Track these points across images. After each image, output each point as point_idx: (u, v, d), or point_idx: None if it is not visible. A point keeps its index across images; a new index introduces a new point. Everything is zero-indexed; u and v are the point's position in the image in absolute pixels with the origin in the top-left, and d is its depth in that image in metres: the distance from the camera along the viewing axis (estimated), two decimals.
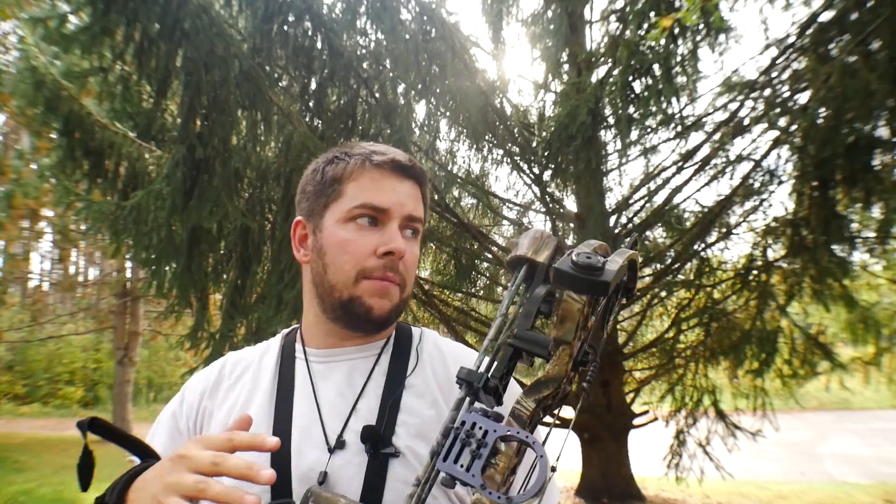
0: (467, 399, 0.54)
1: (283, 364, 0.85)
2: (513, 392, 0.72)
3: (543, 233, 0.62)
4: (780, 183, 3.83)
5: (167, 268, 3.38)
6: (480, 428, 0.48)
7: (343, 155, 0.82)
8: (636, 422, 4.80)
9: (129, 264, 10.30)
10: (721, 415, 4.84)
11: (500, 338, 0.57)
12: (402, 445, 0.74)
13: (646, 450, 5.52)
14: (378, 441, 0.73)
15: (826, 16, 3.35)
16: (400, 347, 0.84)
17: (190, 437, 0.85)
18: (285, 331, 0.92)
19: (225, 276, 3.59)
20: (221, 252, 3.57)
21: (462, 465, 0.46)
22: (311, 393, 0.81)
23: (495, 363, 0.54)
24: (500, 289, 5.46)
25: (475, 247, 4.65)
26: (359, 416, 0.77)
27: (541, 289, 0.56)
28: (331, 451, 0.75)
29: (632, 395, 5.02)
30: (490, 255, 4.83)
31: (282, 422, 0.79)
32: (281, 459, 0.75)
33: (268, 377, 0.84)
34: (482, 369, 0.54)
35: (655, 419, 5.01)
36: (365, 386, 0.80)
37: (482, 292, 5.42)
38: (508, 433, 0.47)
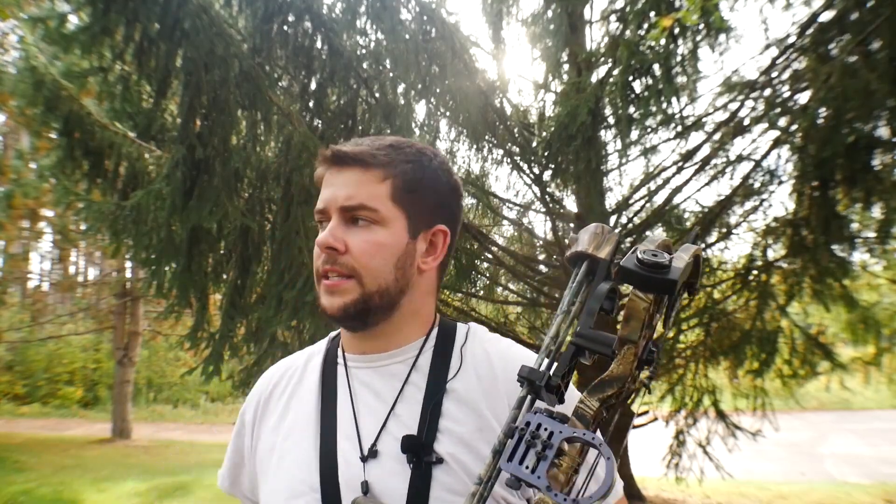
0: (528, 398, 0.53)
1: (325, 370, 0.84)
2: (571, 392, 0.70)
3: (604, 228, 0.60)
4: (780, 183, 3.83)
5: (167, 268, 3.38)
6: (545, 429, 0.47)
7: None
8: (636, 422, 4.80)
9: (129, 264, 10.30)
10: (721, 415, 4.84)
11: (561, 335, 0.56)
12: (444, 453, 0.72)
13: (646, 450, 5.52)
14: (420, 450, 0.72)
15: (826, 16, 3.35)
16: (442, 348, 0.81)
17: (250, 450, 0.87)
18: (331, 335, 0.90)
19: (225, 276, 3.59)
20: (221, 252, 3.57)
21: (527, 467, 0.46)
22: (350, 399, 0.80)
23: (556, 362, 0.53)
24: (499, 289, 5.46)
25: (475, 247, 4.64)
26: (399, 423, 0.75)
27: (603, 286, 0.55)
28: (363, 459, 0.74)
29: (632, 394, 5.01)
30: (490, 255, 4.83)
31: (327, 430, 0.78)
32: (329, 468, 0.75)
33: (312, 384, 0.84)
34: (543, 367, 0.53)
35: (655, 419, 5.01)
36: (402, 390, 0.78)
37: (482, 292, 5.42)
38: (574, 434, 0.47)
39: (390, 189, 0.78)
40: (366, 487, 0.72)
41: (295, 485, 0.77)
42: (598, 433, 0.49)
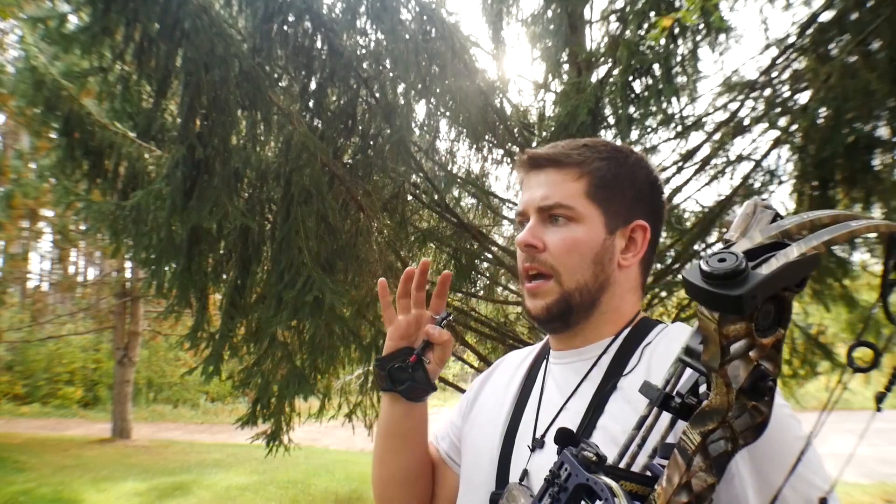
0: (653, 415, 0.50)
1: (535, 362, 0.90)
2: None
3: (756, 204, 0.51)
4: (780, 183, 3.83)
5: (167, 268, 3.38)
6: (566, 470, 0.47)
7: None
8: None
9: (128, 264, 10.31)
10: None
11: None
12: None
13: None
14: (571, 444, 0.73)
15: (826, 16, 3.35)
16: (626, 347, 0.79)
17: (463, 417, 0.96)
18: None
19: (225, 276, 3.58)
20: (221, 252, 3.56)
21: None
22: (540, 392, 0.84)
23: (673, 378, 0.50)
24: (499, 289, 5.46)
25: (475, 247, 4.64)
26: (569, 416, 0.77)
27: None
28: (531, 448, 0.77)
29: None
30: (490, 255, 4.83)
31: (514, 418, 0.84)
32: (506, 451, 0.81)
33: (522, 373, 0.90)
34: (667, 384, 0.50)
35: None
36: (579, 386, 0.79)
37: (482, 292, 5.42)
38: (587, 482, 0.44)
39: (585, 186, 0.79)
40: (524, 475, 0.75)
41: (480, 461, 0.84)
42: (616, 485, 0.45)
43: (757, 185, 3.89)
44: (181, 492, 6.66)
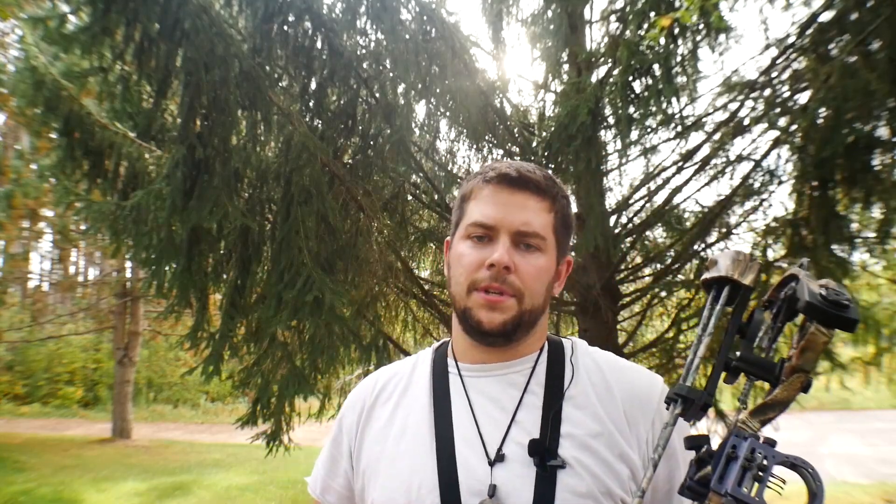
0: (677, 418, 0.57)
1: (436, 378, 0.88)
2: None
3: (746, 255, 0.63)
4: (780, 183, 3.82)
5: (167, 268, 3.37)
6: (760, 453, 0.51)
7: (472, 174, 0.89)
8: None
9: (129, 264, 10.31)
10: (721, 415, 4.84)
11: (699, 355, 0.60)
12: (568, 457, 0.76)
13: None
14: (545, 453, 0.75)
15: (826, 16, 3.35)
16: (555, 359, 0.86)
17: (352, 455, 0.90)
18: (435, 345, 0.95)
19: (225, 276, 3.58)
20: (221, 252, 3.56)
21: (746, 489, 0.49)
22: (468, 406, 0.83)
23: (706, 381, 0.58)
24: None
25: None
26: (521, 429, 0.79)
27: (760, 314, 0.59)
28: (491, 463, 0.77)
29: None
30: None
31: (444, 437, 0.81)
32: (449, 473, 0.78)
33: (423, 392, 0.87)
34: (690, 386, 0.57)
35: None
36: (522, 398, 0.82)
37: None
38: (787, 458, 0.51)
39: (553, 220, 0.85)
40: (493, 491, 0.75)
41: (412, 489, 0.79)
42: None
43: (757, 185, 3.89)
44: (181, 492, 6.66)
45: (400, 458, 0.83)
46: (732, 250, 0.63)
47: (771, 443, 0.52)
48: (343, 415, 0.93)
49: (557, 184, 0.87)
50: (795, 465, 0.50)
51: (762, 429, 0.53)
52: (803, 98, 3.38)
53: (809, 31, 3.43)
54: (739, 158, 3.97)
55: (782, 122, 3.50)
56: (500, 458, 0.77)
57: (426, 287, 4.64)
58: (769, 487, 0.49)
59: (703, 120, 4.05)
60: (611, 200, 4.59)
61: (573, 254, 0.89)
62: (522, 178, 0.83)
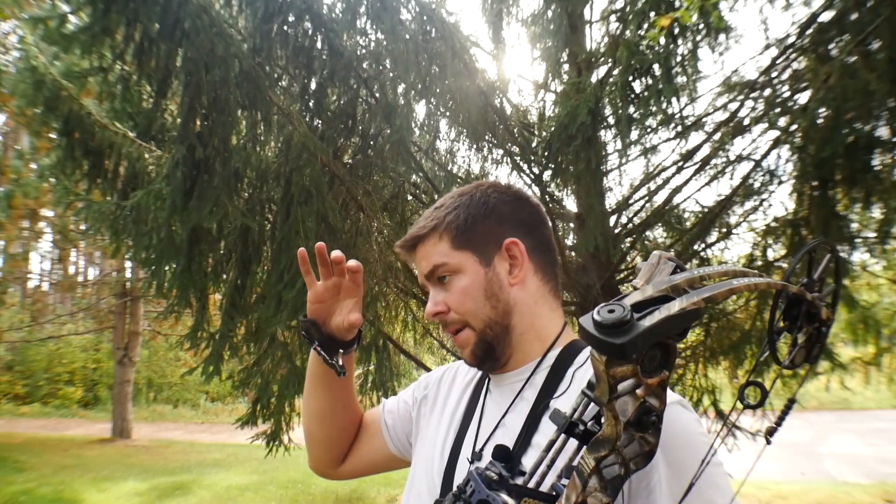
0: (561, 440, 0.59)
1: (479, 382, 0.97)
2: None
3: (661, 256, 0.58)
4: (780, 183, 3.82)
5: (167, 268, 3.38)
6: (471, 486, 0.53)
7: None
8: None
9: (129, 264, 10.31)
10: (721, 415, 4.84)
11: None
12: (528, 465, 0.77)
13: None
14: (507, 460, 0.76)
15: (826, 16, 3.35)
16: (557, 369, 0.86)
17: (413, 408, 1.06)
18: None
19: (225, 276, 3.59)
20: (221, 252, 3.56)
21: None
22: (482, 407, 0.91)
23: (580, 407, 0.58)
24: None
25: None
26: (505, 432, 0.84)
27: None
28: (470, 461, 0.83)
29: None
30: None
31: (460, 433, 0.91)
32: (452, 461, 0.88)
33: (470, 391, 0.98)
34: (575, 412, 0.58)
35: None
36: (513, 403, 0.86)
37: None
38: (487, 497, 0.51)
39: (448, 242, 0.88)
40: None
41: (431, 463, 0.92)
42: (513, 502, 0.55)
43: (757, 185, 3.89)
44: (181, 492, 6.67)
45: (433, 442, 0.95)
46: (655, 252, 0.59)
47: (498, 479, 0.55)
48: (429, 380, 1.07)
49: (443, 206, 0.91)
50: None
51: (598, 466, 0.49)
52: (803, 98, 3.38)
53: (809, 31, 3.43)
54: (739, 158, 3.97)
55: (782, 122, 3.50)
56: (477, 456, 0.83)
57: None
58: None
59: (703, 120, 4.05)
60: (611, 200, 4.59)
61: (528, 238, 0.88)
62: (406, 242, 0.93)
